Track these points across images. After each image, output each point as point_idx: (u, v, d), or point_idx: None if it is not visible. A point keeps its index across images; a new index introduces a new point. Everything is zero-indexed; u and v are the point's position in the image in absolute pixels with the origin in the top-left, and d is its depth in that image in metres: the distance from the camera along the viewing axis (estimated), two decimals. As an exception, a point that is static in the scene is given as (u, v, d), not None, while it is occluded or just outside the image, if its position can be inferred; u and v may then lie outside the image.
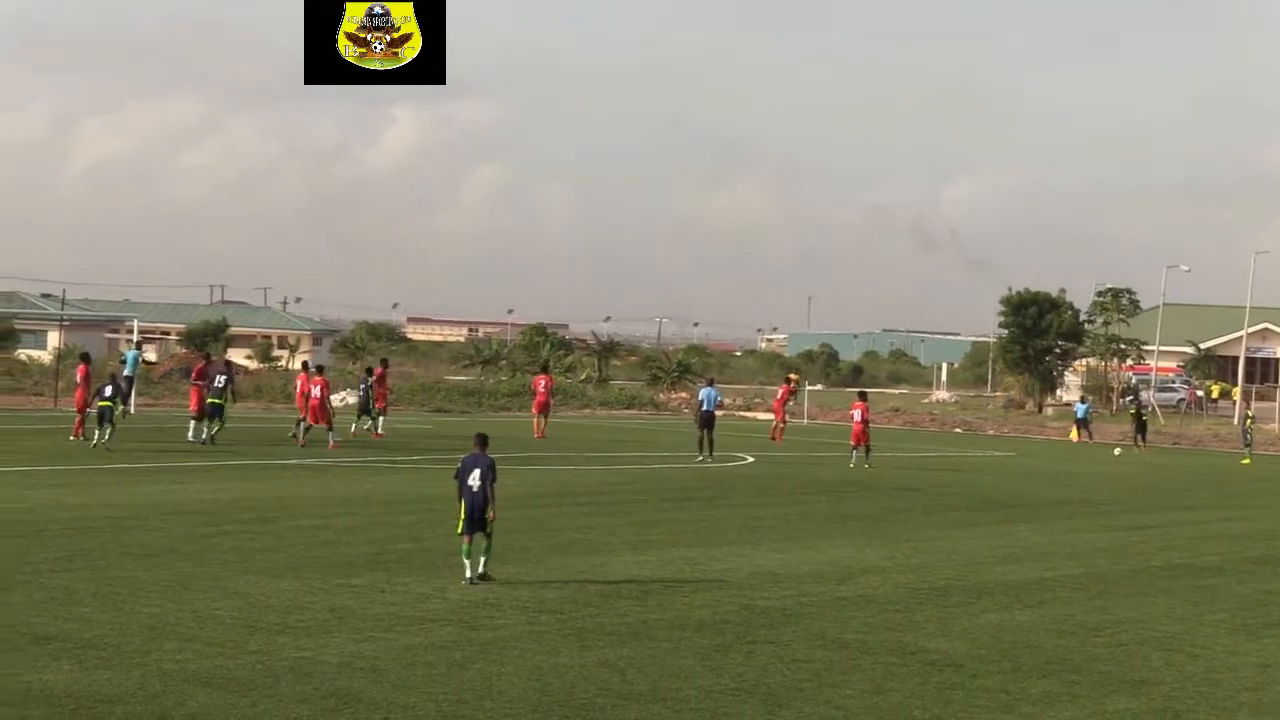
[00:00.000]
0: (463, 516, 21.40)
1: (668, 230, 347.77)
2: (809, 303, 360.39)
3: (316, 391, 46.75)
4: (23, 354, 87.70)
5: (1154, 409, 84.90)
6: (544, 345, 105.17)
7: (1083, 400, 79.68)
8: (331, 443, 45.41)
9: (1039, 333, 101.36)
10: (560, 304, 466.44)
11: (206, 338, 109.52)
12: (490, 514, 21.37)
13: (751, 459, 48.78)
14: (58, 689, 14.52)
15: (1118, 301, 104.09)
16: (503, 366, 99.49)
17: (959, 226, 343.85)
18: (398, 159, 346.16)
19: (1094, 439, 71.26)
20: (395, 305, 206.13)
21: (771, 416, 64.13)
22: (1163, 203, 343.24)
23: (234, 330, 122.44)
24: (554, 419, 59.87)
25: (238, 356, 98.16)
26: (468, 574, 21.37)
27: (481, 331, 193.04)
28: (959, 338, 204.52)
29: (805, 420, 74.30)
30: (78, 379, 46.71)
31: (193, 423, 47.39)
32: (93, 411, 43.50)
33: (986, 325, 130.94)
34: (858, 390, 59.85)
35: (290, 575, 21.48)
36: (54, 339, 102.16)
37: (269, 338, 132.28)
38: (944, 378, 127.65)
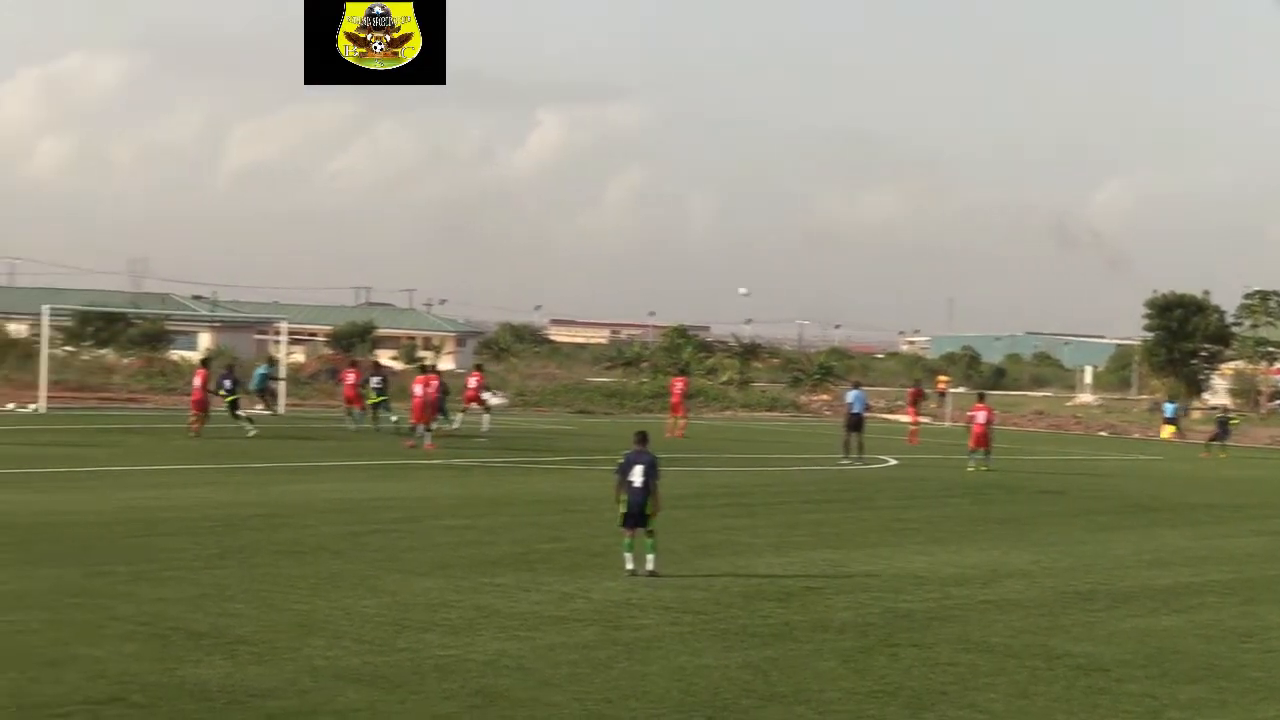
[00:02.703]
0: (624, 511, 21.76)
1: (809, 232, 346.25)
2: (951, 304, 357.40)
3: (418, 390, 47.01)
4: (174, 355, 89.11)
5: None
6: (685, 347, 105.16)
7: (1172, 400, 79.82)
8: (427, 443, 45.52)
9: (1184, 335, 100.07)
10: (702, 306, 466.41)
11: (353, 339, 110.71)
12: (652, 509, 21.75)
13: (894, 461, 48.56)
14: (211, 683, 14.76)
15: (1266, 304, 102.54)
16: (644, 368, 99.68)
17: (1102, 226, 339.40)
18: (542, 161, 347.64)
19: (1185, 438, 71.16)
20: (538, 307, 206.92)
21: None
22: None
23: (380, 332, 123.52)
24: (696, 421, 60.08)
25: (383, 358, 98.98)
26: (629, 566, 21.78)
27: (624, 333, 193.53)
28: (1103, 340, 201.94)
29: (948, 423, 73.79)
30: (197, 382, 47.94)
31: (349, 415, 51.19)
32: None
33: (1131, 328, 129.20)
34: (978, 392, 59.26)
35: (437, 574, 21.70)
36: (205, 340, 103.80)
37: (413, 339, 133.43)
38: (1088, 380, 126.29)
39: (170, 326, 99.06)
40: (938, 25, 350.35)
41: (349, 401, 53.30)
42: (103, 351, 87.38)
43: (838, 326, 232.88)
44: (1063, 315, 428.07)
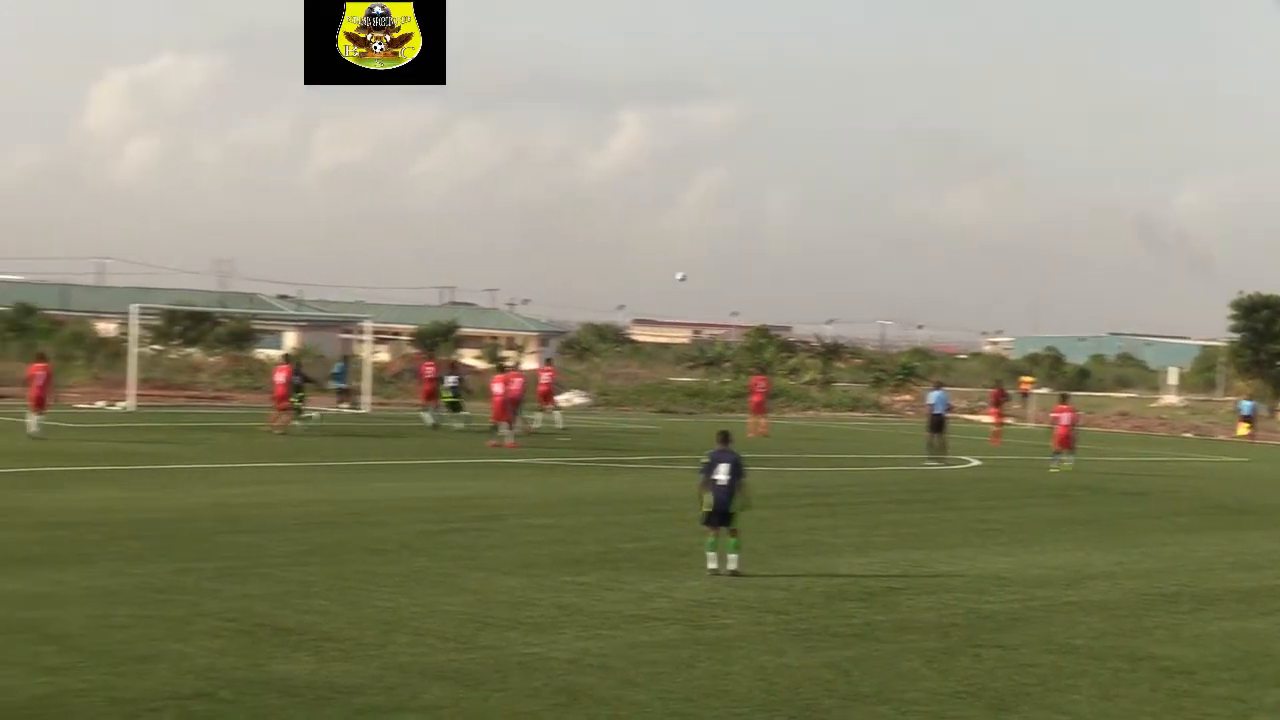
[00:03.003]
0: (708, 510, 21.85)
1: (892, 231, 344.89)
2: (1034, 305, 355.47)
3: (498, 389, 47.29)
4: (260, 354, 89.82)
5: None
6: (767, 347, 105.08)
7: (1250, 399, 79.64)
8: (509, 441, 45.72)
9: (1271, 337, 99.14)
10: (783, 306, 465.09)
11: (437, 338, 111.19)
12: (738, 507, 21.88)
13: (977, 462, 48.37)
14: (297, 679, 14.90)
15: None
16: (726, 368, 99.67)
17: (1187, 226, 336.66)
18: (623, 162, 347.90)
19: (1254, 439, 71.09)
20: (621, 307, 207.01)
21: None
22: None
23: (463, 331, 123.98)
24: (778, 420, 60.13)
25: (466, 357, 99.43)
26: (712, 565, 21.87)
27: (706, 333, 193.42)
28: (1188, 341, 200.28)
29: (1031, 424, 73.42)
30: (280, 378, 48.61)
31: (426, 413, 52.27)
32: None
33: (1216, 329, 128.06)
34: (1061, 393, 58.91)
35: (520, 572, 21.81)
36: (290, 340, 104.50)
37: (496, 339, 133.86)
38: (1172, 382, 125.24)
39: (256, 326, 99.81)
40: (1021, 24, 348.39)
41: (426, 398, 53.99)
42: (190, 350, 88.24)
43: (920, 327, 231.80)
44: (1147, 316, 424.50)
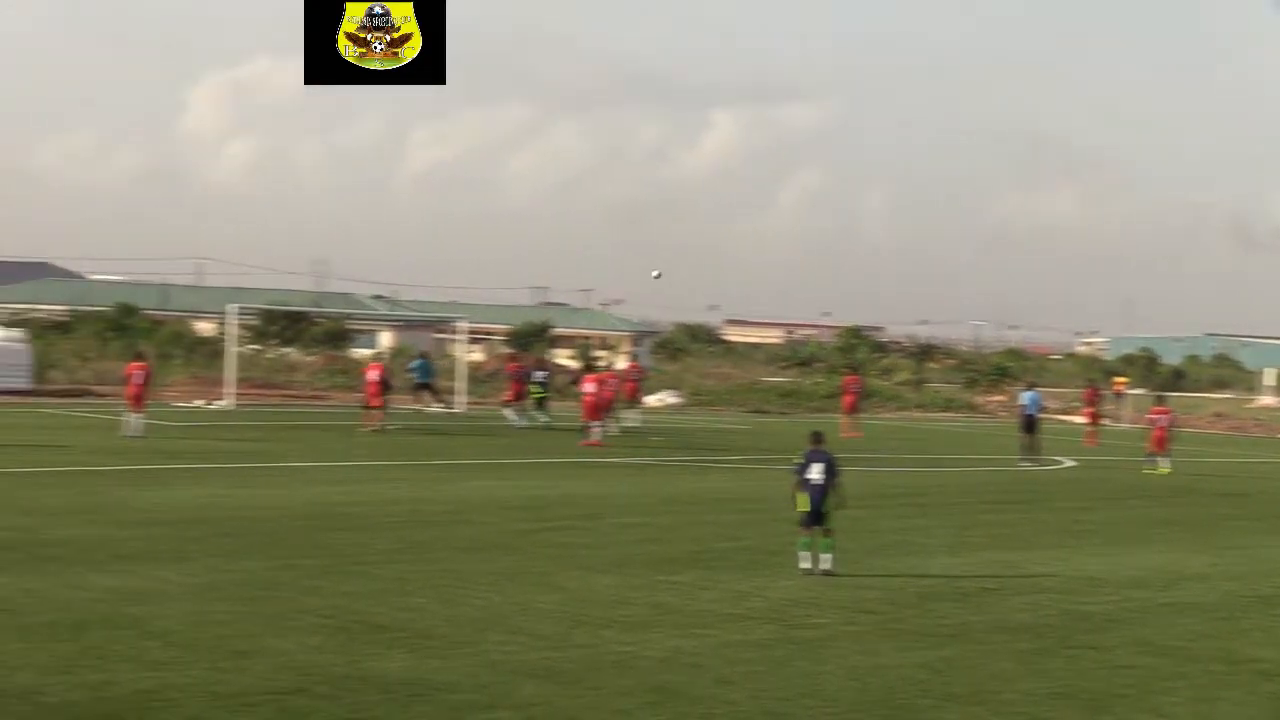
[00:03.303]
0: (802, 509, 21.94)
1: (985, 232, 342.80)
2: (1129, 306, 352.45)
3: (590, 389, 47.51)
4: (356, 354, 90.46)
5: None
6: (860, 347, 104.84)
7: None
8: (593, 439, 45.82)
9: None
10: (876, 306, 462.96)
11: (530, 338, 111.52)
12: (832, 506, 21.97)
13: (1072, 463, 48.08)
14: (393, 676, 15.04)
15: None
16: (819, 368, 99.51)
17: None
18: (716, 162, 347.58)
19: None
20: (714, 307, 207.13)
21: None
22: None
23: (557, 331, 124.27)
24: (870, 421, 60.03)
25: (560, 357, 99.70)
26: (805, 565, 21.92)
27: (798, 333, 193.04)
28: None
29: (1126, 425, 72.84)
30: (374, 376, 49.28)
31: (510, 412, 53.10)
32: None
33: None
34: (1157, 394, 58.42)
35: (613, 571, 21.92)
36: (385, 339, 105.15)
37: (589, 338, 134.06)
38: (1269, 382, 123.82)
39: (351, 326, 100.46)
40: (1115, 25, 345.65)
41: (515, 398, 54.45)
42: (287, 350, 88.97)
43: (1014, 327, 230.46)
44: (1243, 316, 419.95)
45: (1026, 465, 45.64)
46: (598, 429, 46.22)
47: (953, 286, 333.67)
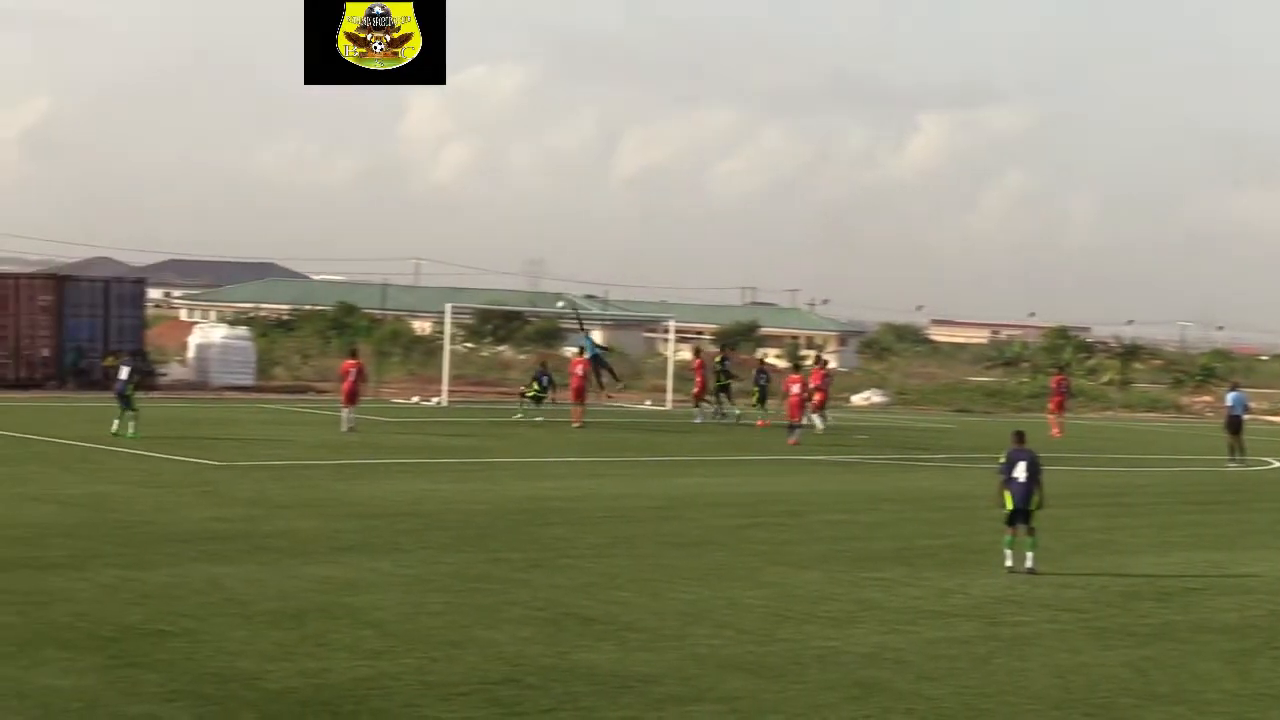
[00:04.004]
0: (1007, 507, 22.06)
1: (1191, 232, 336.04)
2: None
3: (795, 389, 47.68)
4: (567, 352, 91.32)
5: None
6: (1066, 347, 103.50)
7: None
8: (791, 439, 45.87)
9: None
10: (1081, 307, 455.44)
11: (738, 338, 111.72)
12: (1036, 504, 22.06)
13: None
14: (600, 667, 15.41)
15: None
16: (1024, 368, 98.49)
17: None
18: (922, 164, 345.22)
19: None
20: (919, 307, 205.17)
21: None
22: None
23: (764, 330, 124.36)
24: (1075, 420, 59.46)
25: (768, 356, 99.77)
26: (1009, 563, 22.03)
27: (1003, 333, 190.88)
28: None
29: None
30: (579, 370, 50.99)
31: (701, 406, 54.72)
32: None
33: None
34: None
35: (818, 567, 22.14)
36: (596, 339, 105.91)
37: (796, 338, 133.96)
38: None
39: (563, 325, 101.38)
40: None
41: (702, 392, 55.30)
42: (500, 348, 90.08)
43: (1220, 328, 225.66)
44: None
45: (1233, 466, 44.96)
46: (797, 428, 46.46)
47: (1159, 287, 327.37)
